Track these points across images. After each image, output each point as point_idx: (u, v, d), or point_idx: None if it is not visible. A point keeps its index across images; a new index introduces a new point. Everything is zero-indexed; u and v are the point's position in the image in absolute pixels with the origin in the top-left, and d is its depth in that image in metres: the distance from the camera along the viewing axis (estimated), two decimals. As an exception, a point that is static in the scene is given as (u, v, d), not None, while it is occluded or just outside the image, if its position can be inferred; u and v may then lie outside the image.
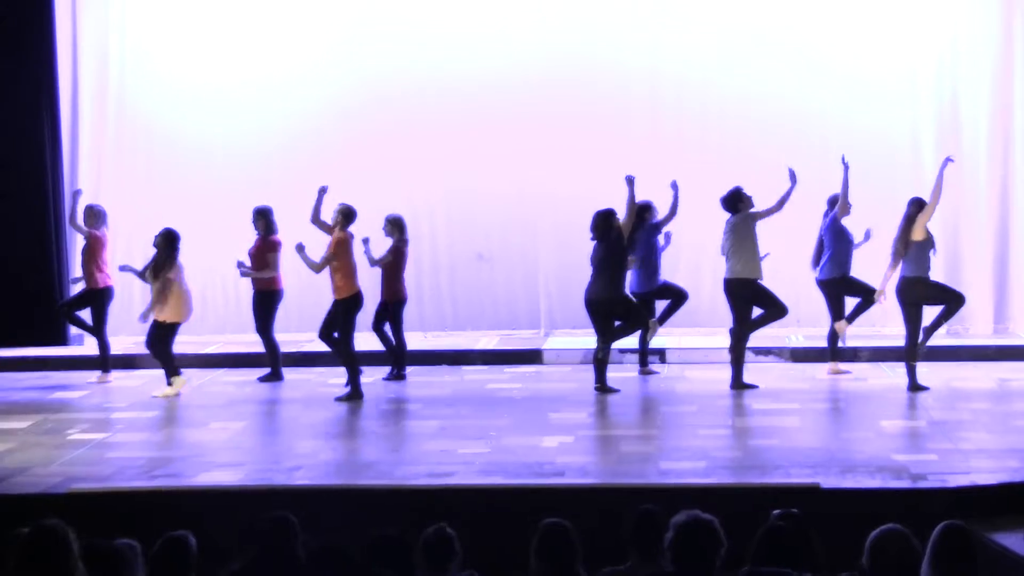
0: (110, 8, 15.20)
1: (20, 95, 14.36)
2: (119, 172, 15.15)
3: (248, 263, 13.15)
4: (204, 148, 15.07)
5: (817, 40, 14.61)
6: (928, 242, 11.75)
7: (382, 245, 13.05)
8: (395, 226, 13.05)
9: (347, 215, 12.38)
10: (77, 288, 13.55)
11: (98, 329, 13.34)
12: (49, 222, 14.49)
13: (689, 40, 14.74)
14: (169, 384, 12.45)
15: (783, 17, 14.71)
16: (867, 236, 12.78)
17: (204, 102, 15.13)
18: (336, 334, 12.34)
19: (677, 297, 13.03)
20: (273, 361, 13.24)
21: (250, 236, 13.19)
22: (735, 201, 12.12)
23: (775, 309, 12.06)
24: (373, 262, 12.91)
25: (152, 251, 12.59)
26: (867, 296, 12.39)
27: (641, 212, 12.51)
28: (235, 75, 15.11)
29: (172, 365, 12.49)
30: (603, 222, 11.95)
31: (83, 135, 15.15)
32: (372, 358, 13.07)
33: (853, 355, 13.17)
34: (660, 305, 13.09)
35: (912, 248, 11.71)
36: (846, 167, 12.21)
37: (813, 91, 14.57)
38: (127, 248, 14.16)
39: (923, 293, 11.81)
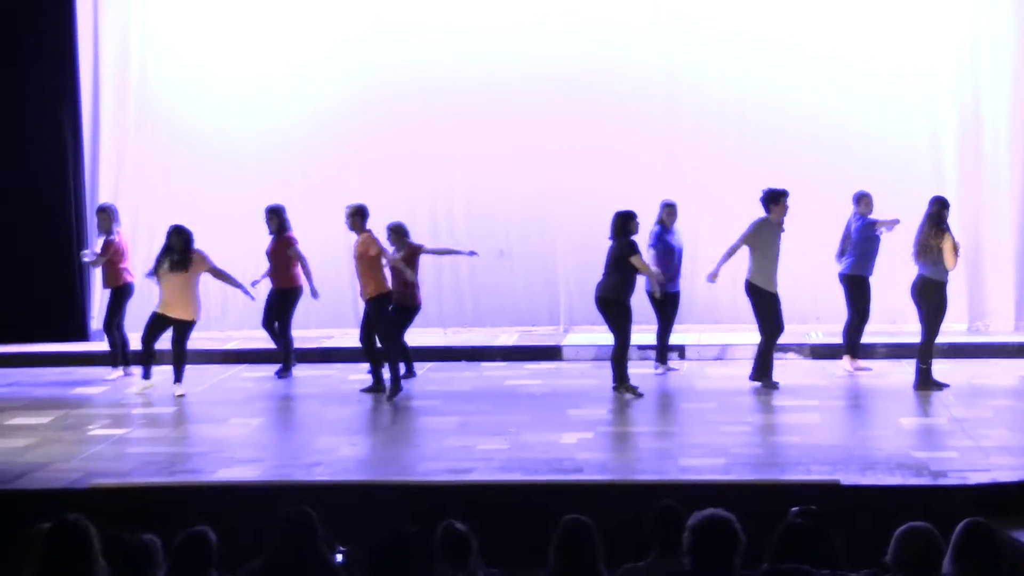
0: (131, 6, 15.23)
1: (41, 94, 14.40)
2: (140, 169, 15.17)
3: (266, 269, 13.21)
4: (224, 144, 15.08)
5: (836, 42, 14.51)
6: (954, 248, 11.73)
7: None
8: (398, 235, 12.62)
9: (363, 214, 12.32)
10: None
11: (117, 325, 13.38)
12: (70, 220, 14.53)
13: (707, 41, 14.66)
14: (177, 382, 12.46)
15: (802, 18, 14.64)
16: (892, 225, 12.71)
17: (224, 99, 15.15)
18: (379, 334, 12.29)
19: (666, 323, 12.99)
20: (286, 357, 13.27)
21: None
22: (767, 202, 12.02)
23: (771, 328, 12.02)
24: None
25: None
26: (863, 317, 12.54)
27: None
28: (255, 71, 15.11)
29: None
30: (619, 223, 11.87)
31: (104, 132, 15.18)
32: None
33: (867, 351, 13.08)
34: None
35: (934, 251, 11.67)
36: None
37: (833, 92, 14.47)
38: (148, 243, 14.14)
39: (931, 298, 11.77)
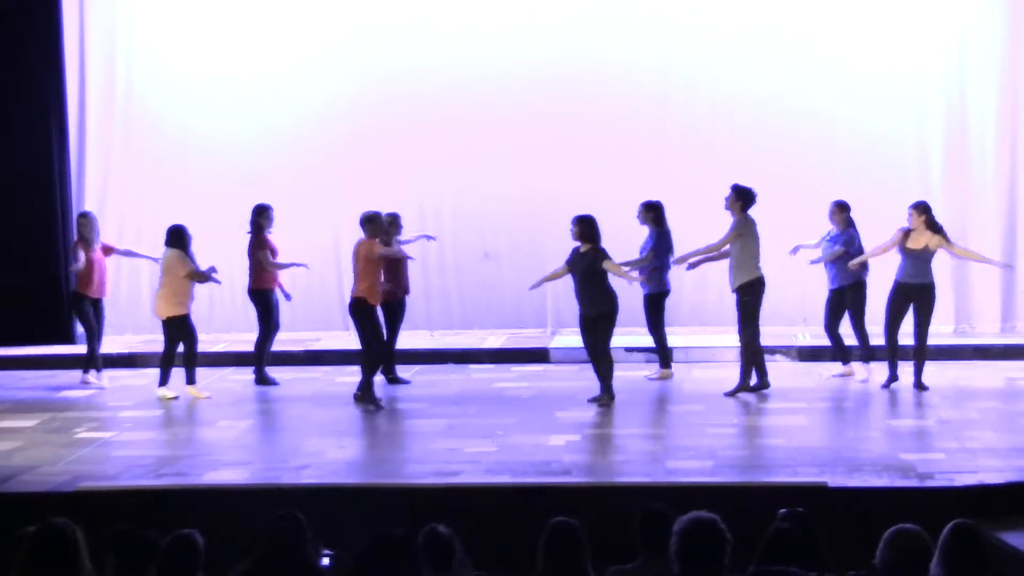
0: (117, 7, 15.21)
1: (28, 96, 14.36)
2: (127, 171, 15.16)
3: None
4: (212, 146, 15.07)
5: (825, 40, 14.58)
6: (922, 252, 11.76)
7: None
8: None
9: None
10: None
11: (98, 333, 13.34)
12: (56, 223, 14.49)
13: (697, 39, 14.73)
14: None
15: (790, 18, 14.69)
16: (795, 251, 12.72)
17: (212, 100, 15.13)
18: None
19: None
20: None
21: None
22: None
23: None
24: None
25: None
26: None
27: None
28: (242, 73, 15.10)
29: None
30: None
31: (90, 134, 15.16)
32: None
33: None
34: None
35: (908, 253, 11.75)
36: None
37: (821, 91, 14.53)
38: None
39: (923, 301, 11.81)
